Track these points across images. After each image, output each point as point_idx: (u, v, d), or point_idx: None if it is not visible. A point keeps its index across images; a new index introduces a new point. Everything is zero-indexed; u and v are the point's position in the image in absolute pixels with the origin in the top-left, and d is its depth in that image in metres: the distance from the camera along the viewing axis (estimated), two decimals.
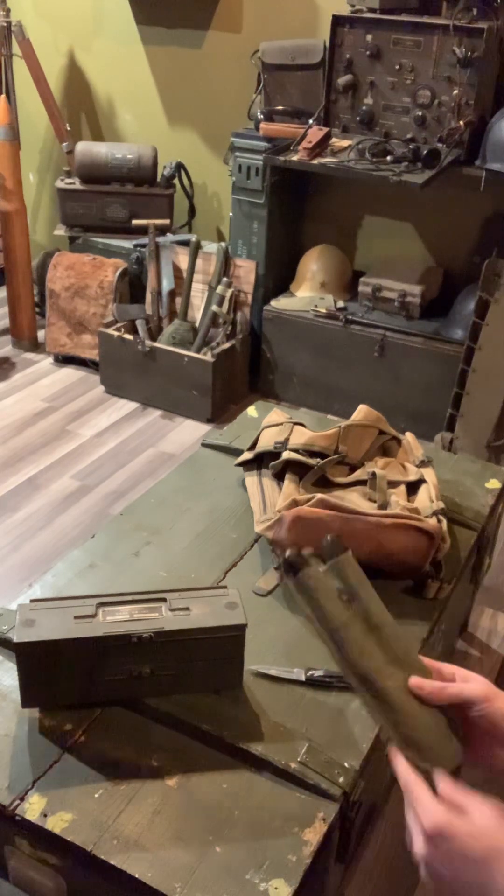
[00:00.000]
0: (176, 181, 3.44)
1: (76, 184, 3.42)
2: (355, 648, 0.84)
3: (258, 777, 1.16)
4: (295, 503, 1.53)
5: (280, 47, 2.97)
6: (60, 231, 3.53)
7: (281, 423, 1.83)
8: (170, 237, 3.33)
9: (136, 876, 1.02)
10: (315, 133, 2.77)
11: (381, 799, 1.62)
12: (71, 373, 3.44)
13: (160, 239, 3.26)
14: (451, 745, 0.84)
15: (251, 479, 1.77)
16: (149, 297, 3.24)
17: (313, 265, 3.20)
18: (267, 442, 1.79)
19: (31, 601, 1.23)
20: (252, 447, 1.83)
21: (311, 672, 1.32)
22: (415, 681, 0.82)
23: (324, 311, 3.06)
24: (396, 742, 0.81)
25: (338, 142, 2.82)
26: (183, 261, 3.23)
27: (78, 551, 1.59)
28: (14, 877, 1.18)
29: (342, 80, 2.79)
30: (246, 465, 1.82)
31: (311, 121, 2.89)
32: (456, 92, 2.63)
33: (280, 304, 3.17)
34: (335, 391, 3.14)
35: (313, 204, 3.34)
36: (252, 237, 3.16)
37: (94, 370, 3.40)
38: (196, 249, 3.19)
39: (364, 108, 2.80)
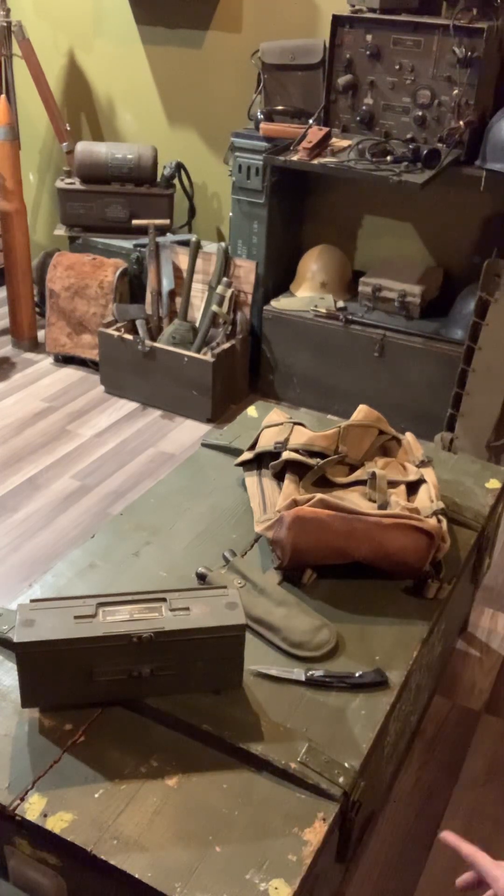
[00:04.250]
0: (176, 181, 3.44)
1: (76, 184, 3.42)
2: (248, 605, 1.37)
3: (258, 777, 1.16)
4: (295, 503, 1.53)
5: (280, 47, 2.97)
6: (60, 231, 3.53)
7: (281, 423, 1.83)
8: (170, 237, 3.33)
9: (136, 876, 1.02)
10: (315, 133, 2.77)
11: (381, 799, 1.63)
12: (71, 373, 3.44)
13: (160, 239, 3.26)
14: (319, 634, 1.38)
15: (251, 479, 1.77)
16: (149, 297, 3.24)
17: (313, 265, 3.20)
18: (267, 442, 1.79)
19: (31, 601, 1.23)
20: (252, 447, 1.83)
21: (311, 672, 1.32)
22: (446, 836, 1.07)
23: (324, 311, 3.06)
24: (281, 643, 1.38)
25: (338, 142, 2.82)
26: (183, 261, 3.23)
27: (78, 551, 1.59)
28: (14, 877, 1.18)
29: (342, 80, 2.79)
30: (246, 465, 1.82)
31: (311, 121, 2.88)
32: (456, 92, 2.63)
33: (280, 304, 3.17)
34: (335, 391, 3.14)
35: (313, 204, 3.34)
36: (252, 237, 3.16)
37: (94, 370, 3.40)
38: (196, 249, 3.19)
39: (364, 108, 2.80)
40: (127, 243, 3.40)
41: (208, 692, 1.27)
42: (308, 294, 3.19)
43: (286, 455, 1.70)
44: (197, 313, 3.22)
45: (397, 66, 2.70)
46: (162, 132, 3.59)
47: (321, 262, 3.20)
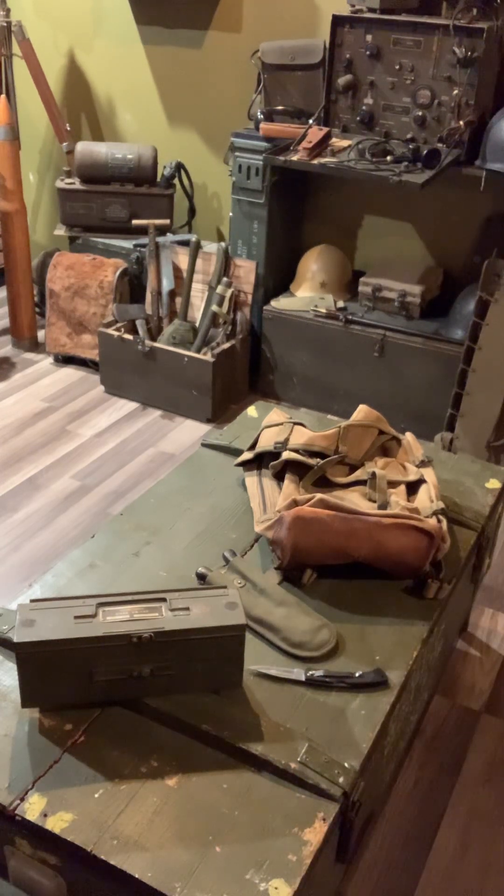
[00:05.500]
0: (176, 181, 3.44)
1: (76, 184, 3.42)
2: (248, 605, 1.39)
3: (258, 777, 1.16)
4: (295, 503, 1.53)
5: (280, 47, 2.97)
6: (60, 231, 3.53)
7: (281, 423, 1.83)
8: (170, 237, 3.33)
9: (136, 876, 1.02)
10: (315, 133, 2.77)
11: (381, 799, 1.63)
12: (71, 373, 3.44)
13: (160, 239, 3.26)
14: (319, 634, 1.38)
15: (251, 479, 1.77)
16: (149, 297, 3.24)
17: (313, 265, 3.20)
18: (267, 442, 1.79)
19: (31, 601, 1.23)
20: (252, 447, 1.83)
21: (311, 672, 1.32)
22: None
23: (324, 311, 3.06)
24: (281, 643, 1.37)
25: (338, 142, 2.82)
26: (183, 261, 3.23)
27: (78, 551, 1.59)
28: (14, 877, 1.18)
29: (342, 80, 2.79)
30: (246, 465, 1.82)
31: (311, 121, 2.88)
32: (456, 92, 2.63)
33: (280, 304, 3.17)
34: (335, 391, 3.14)
35: (313, 204, 3.34)
36: (252, 237, 3.16)
37: (94, 370, 3.40)
38: (196, 249, 3.19)
39: (364, 108, 2.80)
40: (127, 243, 3.40)
41: (208, 692, 1.27)
42: (308, 294, 3.19)
43: (286, 455, 1.70)
44: (197, 313, 3.22)
45: (397, 66, 2.70)
46: (162, 132, 3.59)
47: (321, 262, 3.20)
